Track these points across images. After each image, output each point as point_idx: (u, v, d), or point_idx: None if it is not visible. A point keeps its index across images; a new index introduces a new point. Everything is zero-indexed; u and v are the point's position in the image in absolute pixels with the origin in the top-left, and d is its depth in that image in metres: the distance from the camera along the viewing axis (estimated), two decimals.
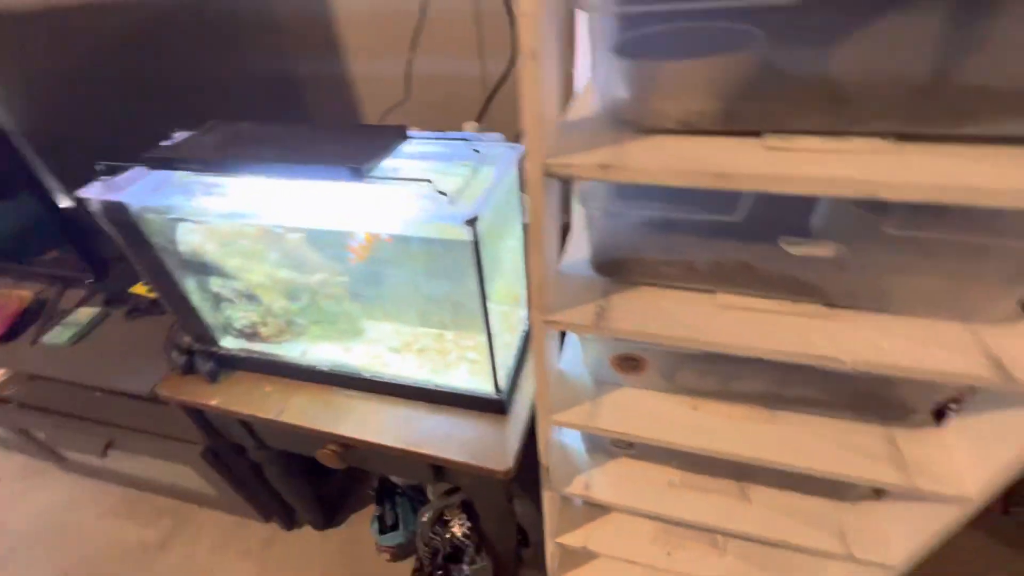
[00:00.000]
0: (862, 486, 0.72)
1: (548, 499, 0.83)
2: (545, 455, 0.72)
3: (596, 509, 0.92)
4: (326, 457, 0.84)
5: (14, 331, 1.03)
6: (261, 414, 0.81)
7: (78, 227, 1.01)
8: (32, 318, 1.06)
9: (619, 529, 0.95)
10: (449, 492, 1.06)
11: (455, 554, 1.03)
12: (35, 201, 0.95)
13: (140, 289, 1.03)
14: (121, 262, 0.91)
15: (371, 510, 1.20)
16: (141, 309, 1.02)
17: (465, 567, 1.05)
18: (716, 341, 0.49)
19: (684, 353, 0.60)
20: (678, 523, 0.78)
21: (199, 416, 0.94)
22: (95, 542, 1.32)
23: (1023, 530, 1.17)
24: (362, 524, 1.27)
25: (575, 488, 0.80)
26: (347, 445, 0.83)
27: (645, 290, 0.57)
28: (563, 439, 0.83)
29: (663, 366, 0.64)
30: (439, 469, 0.82)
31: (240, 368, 0.88)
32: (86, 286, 1.09)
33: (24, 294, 1.09)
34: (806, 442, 0.61)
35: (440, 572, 1.02)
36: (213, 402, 0.83)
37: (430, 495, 1.08)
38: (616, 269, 0.58)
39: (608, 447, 0.83)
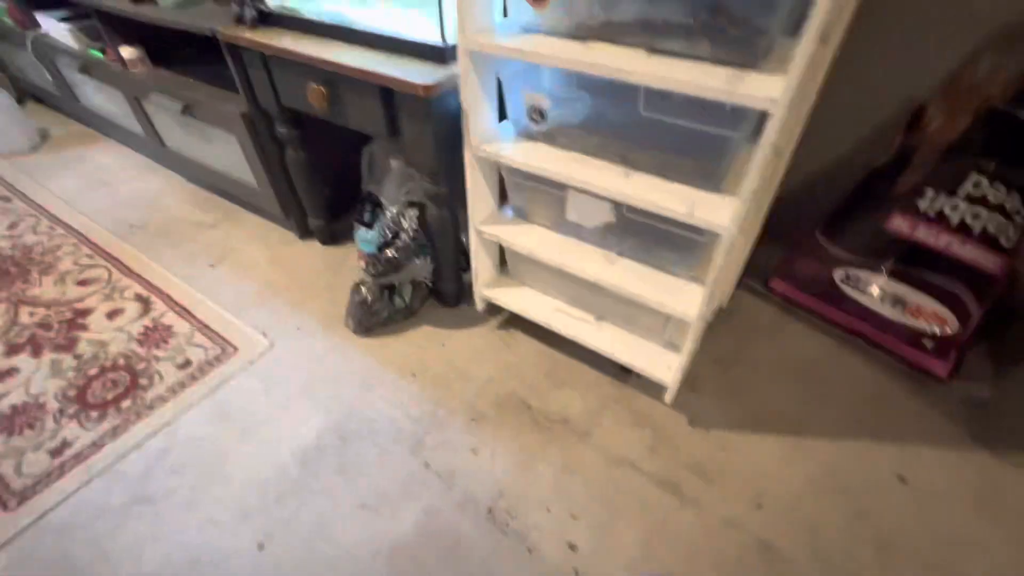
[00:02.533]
0: (714, 181, 0.78)
1: (468, 160, 0.97)
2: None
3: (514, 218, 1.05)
4: (313, 95, 1.05)
5: None
6: (277, 44, 1.04)
7: None
8: None
9: (530, 232, 1.08)
10: (410, 204, 1.25)
11: (403, 253, 1.23)
12: None
13: None
14: None
15: None
16: None
17: (416, 261, 1.24)
18: None
19: None
20: (577, 186, 0.88)
21: (241, 68, 1.20)
22: (170, 213, 1.72)
23: (963, 404, 1.12)
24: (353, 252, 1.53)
25: (491, 149, 0.94)
26: (328, 82, 1.03)
27: None
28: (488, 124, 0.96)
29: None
30: (391, 116, 1.00)
31: (273, 24, 1.12)
32: None
33: None
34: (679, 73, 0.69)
35: (389, 260, 1.22)
36: (248, 35, 1.07)
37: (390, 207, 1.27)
38: None
39: (528, 127, 0.94)
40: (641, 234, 0.94)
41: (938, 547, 0.91)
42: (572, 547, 0.90)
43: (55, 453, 1.03)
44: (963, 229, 1.05)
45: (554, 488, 0.99)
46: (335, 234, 1.60)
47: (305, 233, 1.61)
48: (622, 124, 0.84)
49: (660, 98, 0.74)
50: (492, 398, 1.15)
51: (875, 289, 1.16)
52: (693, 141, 0.78)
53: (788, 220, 1.38)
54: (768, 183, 0.99)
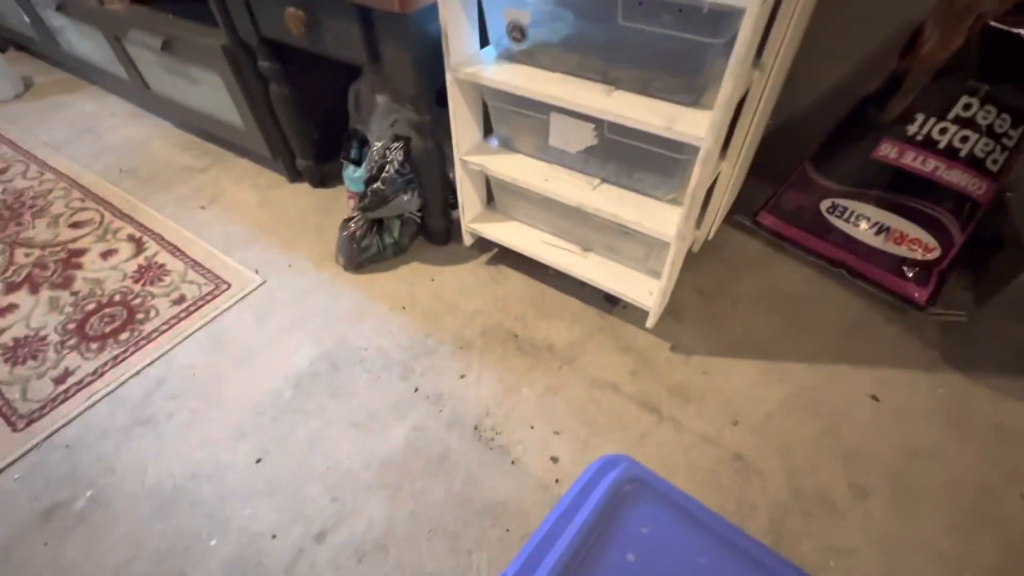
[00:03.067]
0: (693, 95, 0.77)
1: (449, 83, 0.96)
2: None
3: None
4: (291, 19, 1.03)
5: None
6: None
7: None
8: None
9: (515, 161, 1.07)
10: (395, 138, 1.24)
11: (389, 187, 1.23)
12: None
13: None
14: None
15: None
16: None
17: (404, 196, 1.25)
18: None
19: None
20: (560, 106, 0.88)
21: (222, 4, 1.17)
22: (159, 158, 1.71)
23: (939, 329, 1.15)
24: (343, 194, 1.53)
25: (472, 71, 0.92)
26: (306, 5, 1.01)
27: None
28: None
29: None
30: (371, 40, 0.98)
31: None
32: None
33: None
34: None
35: (375, 193, 1.22)
36: None
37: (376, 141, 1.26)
38: None
39: (509, 48, 0.93)
40: (623, 156, 0.93)
41: (903, 458, 0.95)
42: (554, 459, 0.95)
43: (58, 380, 1.07)
44: (950, 153, 1.05)
45: (537, 408, 1.03)
46: (324, 177, 1.60)
47: (294, 176, 1.61)
48: (603, 40, 0.82)
49: (638, 2, 0.73)
50: (479, 328, 1.17)
51: (860, 218, 1.17)
52: (674, 55, 0.76)
53: (778, 156, 1.37)
54: (753, 104, 0.98)
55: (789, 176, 1.28)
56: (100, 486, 0.92)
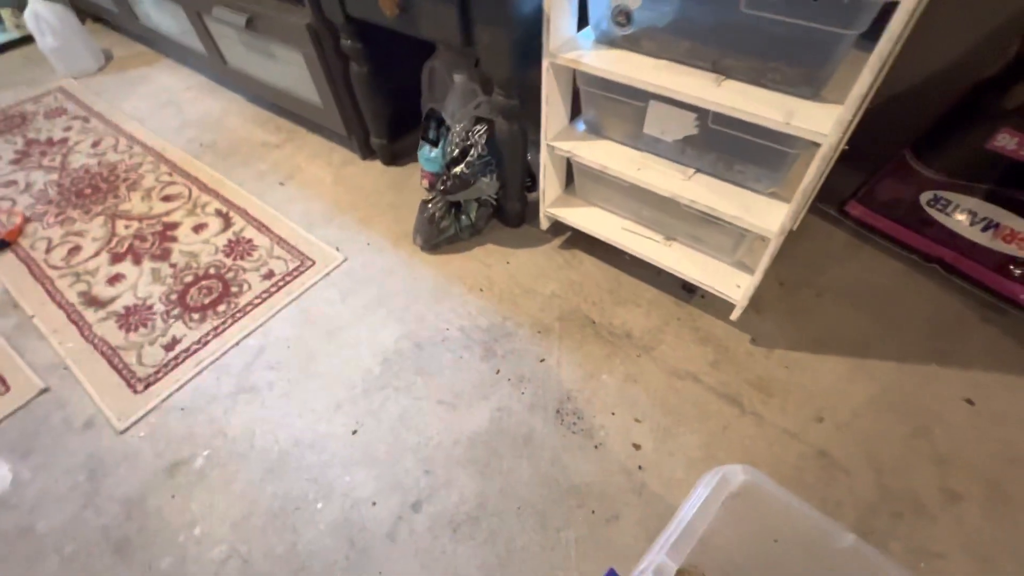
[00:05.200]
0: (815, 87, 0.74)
1: (545, 68, 0.95)
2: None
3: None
4: (387, 2, 1.03)
5: None
6: None
7: None
8: None
9: (603, 147, 1.06)
10: (478, 120, 1.24)
11: (472, 170, 1.24)
12: None
13: None
14: None
15: None
16: None
17: (484, 179, 1.26)
18: None
19: None
20: (663, 95, 0.86)
21: None
22: (236, 134, 1.77)
23: None
24: (418, 170, 1.55)
25: (571, 56, 0.91)
26: None
27: None
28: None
29: None
30: (466, 22, 0.98)
31: None
32: None
33: None
34: None
35: (457, 177, 1.23)
36: None
37: (457, 114, 1.26)
38: None
39: (611, 32, 0.90)
40: (725, 148, 0.91)
41: (1000, 465, 0.93)
42: (636, 447, 0.97)
43: (167, 348, 1.16)
44: None
45: (618, 395, 1.04)
46: (395, 154, 1.61)
47: (367, 153, 1.63)
48: (715, 26, 0.79)
49: None
50: (556, 312, 1.19)
51: (964, 211, 1.10)
52: (795, 43, 0.73)
53: (871, 143, 1.29)
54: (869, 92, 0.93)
55: (885, 164, 1.22)
56: (215, 447, 1.01)
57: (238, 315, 1.22)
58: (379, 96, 1.46)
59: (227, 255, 1.35)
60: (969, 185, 1.09)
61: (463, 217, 1.31)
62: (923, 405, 1.01)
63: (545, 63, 0.94)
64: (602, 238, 1.19)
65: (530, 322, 1.18)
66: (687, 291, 1.21)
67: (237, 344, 1.17)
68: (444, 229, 1.31)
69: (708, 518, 0.51)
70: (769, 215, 0.88)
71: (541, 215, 1.27)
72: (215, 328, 1.19)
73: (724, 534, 0.67)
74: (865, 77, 0.64)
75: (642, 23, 0.86)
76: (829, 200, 1.33)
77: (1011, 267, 1.08)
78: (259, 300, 1.25)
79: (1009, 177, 1.04)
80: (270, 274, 1.30)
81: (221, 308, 1.23)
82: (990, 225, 1.08)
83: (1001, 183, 1.05)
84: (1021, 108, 1.01)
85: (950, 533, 0.86)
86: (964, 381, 1.04)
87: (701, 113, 0.87)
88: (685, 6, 0.80)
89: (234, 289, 1.27)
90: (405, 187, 1.54)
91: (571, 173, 1.25)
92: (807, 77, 0.75)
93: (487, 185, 1.26)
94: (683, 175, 0.97)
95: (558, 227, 1.34)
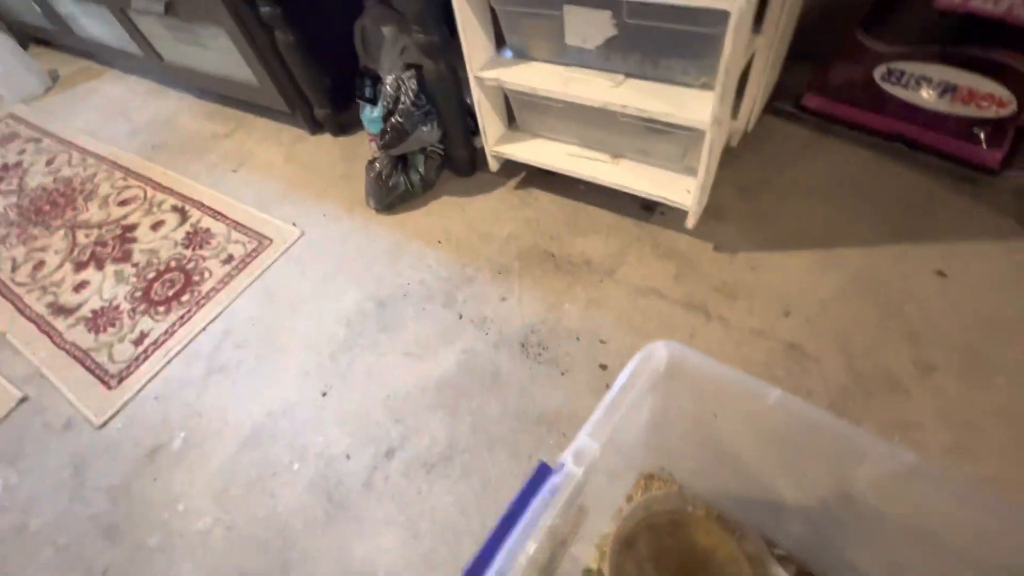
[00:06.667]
0: None
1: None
2: None
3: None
4: None
5: None
6: None
7: None
8: None
9: (532, 69, 1.02)
10: (407, 67, 1.20)
11: (407, 119, 1.20)
12: None
13: None
14: None
15: None
16: None
17: (423, 128, 1.23)
18: None
19: None
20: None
21: None
22: (186, 131, 1.75)
23: (1015, 194, 1.04)
24: (364, 139, 1.52)
25: None
26: None
27: None
28: None
29: None
30: None
31: None
32: None
33: None
34: None
35: (394, 128, 1.20)
36: None
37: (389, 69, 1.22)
38: None
39: None
40: (647, 43, 0.86)
41: (974, 331, 0.90)
42: (603, 367, 0.96)
43: (137, 343, 1.17)
44: None
45: (581, 321, 1.03)
46: (344, 124, 1.58)
47: (315, 127, 1.60)
48: None
49: None
50: (515, 252, 1.17)
51: (921, 80, 1.05)
52: None
53: (822, 36, 1.23)
54: None
55: (836, 47, 1.16)
56: (191, 428, 1.02)
57: (202, 302, 1.22)
58: (313, 64, 1.42)
59: (186, 247, 1.35)
60: (921, 50, 1.03)
61: (411, 172, 1.29)
62: (894, 286, 0.98)
63: None
64: (550, 168, 1.16)
65: (489, 265, 1.16)
66: (646, 210, 1.17)
67: (204, 329, 1.17)
68: (394, 187, 1.28)
69: (632, 396, 0.50)
70: (701, 107, 0.84)
71: (488, 156, 1.24)
72: (181, 317, 1.20)
73: (674, 429, 0.66)
74: None
75: None
76: (786, 98, 1.27)
77: (974, 129, 1.02)
78: (221, 285, 1.24)
79: (960, 34, 0.98)
80: (230, 258, 1.30)
81: (185, 298, 1.23)
82: (947, 89, 1.02)
83: (954, 42, 0.99)
84: None
85: (925, 404, 0.84)
86: (935, 255, 1.00)
87: (616, 7, 0.83)
88: None
89: (196, 278, 1.27)
90: (356, 155, 1.51)
91: (512, 108, 1.21)
92: None
93: (427, 133, 1.23)
94: (613, 82, 0.93)
95: (511, 168, 1.31)
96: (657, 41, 0.85)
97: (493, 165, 1.26)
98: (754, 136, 1.25)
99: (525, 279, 1.12)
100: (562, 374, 0.96)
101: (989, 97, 0.99)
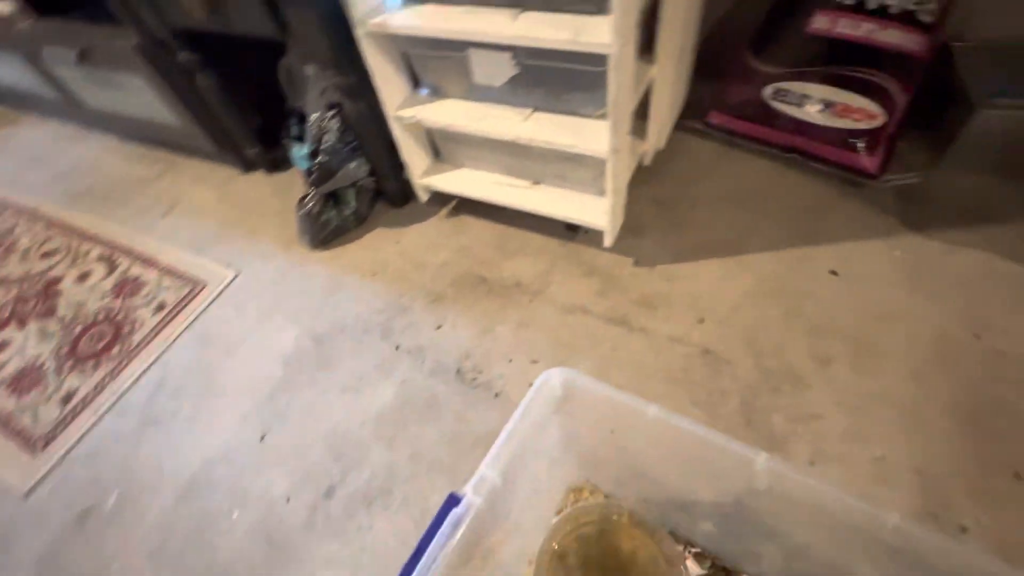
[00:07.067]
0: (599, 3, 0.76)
1: (360, 38, 0.94)
2: None
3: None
4: (192, 3, 1.00)
5: None
6: None
7: None
8: None
9: (447, 107, 1.07)
10: (329, 107, 1.22)
11: (334, 157, 1.22)
12: None
13: None
14: None
15: None
16: None
17: (351, 165, 1.25)
18: None
19: None
20: (473, 40, 0.87)
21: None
22: (112, 175, 1.71)
23: (895, 195, 1.16)
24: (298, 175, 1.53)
25: (380, 21, 0.90)
26: None
27: None
28: None
29: None
30: (274, 8, 0.96)
31: None
32: None
33: None
34: None
35: (321, 167, 1.22)
36: None
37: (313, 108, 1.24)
38: None
39: None
40: (547, 80, 0.92)
41: (864, 323, 0.99)
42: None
43: (64, 401, 1.13)
44: (881, 11, 1.02)
45: (513, 342, 1.07)
46: (277, 161, 1.58)
47: (248, 166, 1.60)
48: None
49: None
50: (449, 279, 1.20)
51: (804, 98, 1.15)
52: None
53: (725, 53, 1.33)
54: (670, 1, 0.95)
55: (730, 68, 1.26)
56: (125, 485, 0.99)
57: (134, 353, 1.19)
58: (240, 105, 1.42)
59: (115, 297, 1.32)
60: (802, 71, 1.13)
61: (343, 207, 1.30)
62: (794, 286, 1.06)
63: (357, 32, 0.93)
64: (476, 197, 1.20)
65: (424, 294, 1.19)
66: (571, 230, 1.23)
67: (136, 381, 1.14)
68: (327, 223, 1.30)
69: (530, 422, 0.54)
70: (600, 137, 0.91)
71: (416, 188, 1.27)
72: (111, 371, 1.17)
73: (588, 444, 0.71)
74: None
75: None
76: (695, 115, 1.37)
77: (851, 140, 1.13)
78: (153, 334, 1.22)
79: (832, 56, 1.09)
80: (162, 306, 1.27)
81: (115, 350, 1.21)
82: (827, 105, 1.13)
83: (827, 63, 1.10)
84: None
85: (824, 394, 0.91)
86: (829, 255, 1.10)
87: (513, 50, 0.88)
88: None
89: (126, 329, 1.24)
90: (291, 191, 1.51)
91: (435, 140, 1.25)
92: None
93: (355, 169, 1.25)
94: (522, 116, 0.99)
95: (443, 196, 1.35)
96: (556, 78, 0.91)
97: (422, 196, 1.30)
98: (667, 153, 1.34)
99: (459, 305, 1.15)
100: (495, 396, 1.00)
101: (862, 111, 1.10)
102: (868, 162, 1.14)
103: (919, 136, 1.22)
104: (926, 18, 1.02)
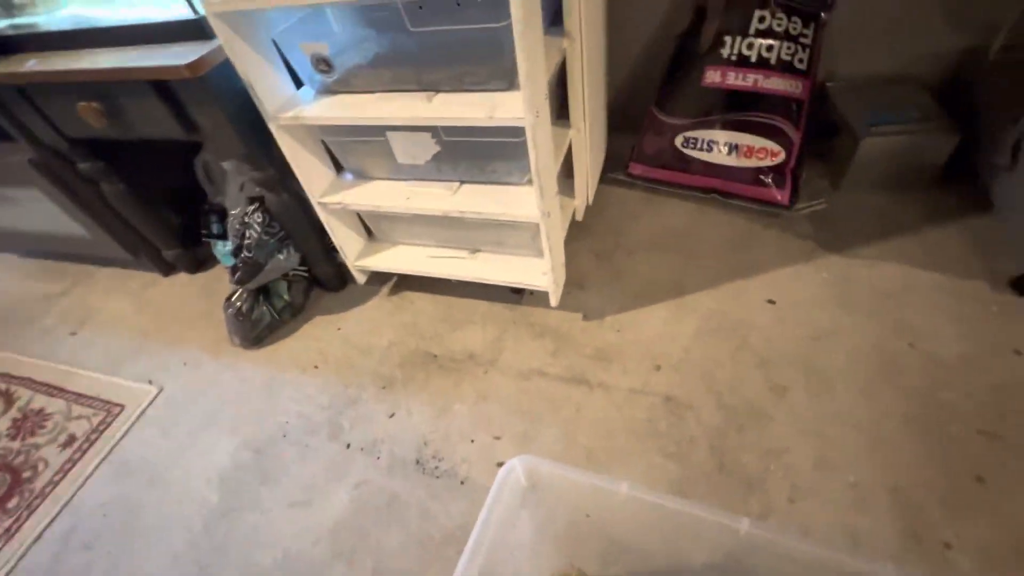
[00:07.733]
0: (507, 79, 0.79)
1: (274, 132, 0.92)
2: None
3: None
4: (87, 113, 0.95)
5: None
6: (25, 71, 0.92)
7: None
8: None
9: (372, 189, 1.05)
10: (250, 201, 1.18)
11: (259, 251, 1.17)
12: None
13: None
14: None
15: None
16: None
17: (279, 256, 1.19)
18: None
19: None
20: (389, 124, 0.87)
21: (5, 111, 1.07)
22: (10, 296, 1.55)
23: (809, 221, 1.24)
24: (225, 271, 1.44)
25: (292, 114, 0.89)
26: (98, 95, 0.94)
27: None
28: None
29: None
30: (179, 111, 0.93)
31: (12, 51, 0.99)
32: None
33: None
34: None
35: (246, 262, 1.16)
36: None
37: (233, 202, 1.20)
38: None
39: (322, 81, 0.91)
40: (469, 154, 0.94)
41: (806, 346, 1.02)
42: (500, 465, 0.94)
43: None
44: (762, 63, 1.13)
45: (473, 420, 1.01)
46: (200, 259, 1.50)
47: (168, 269, 1.50)
48: (400, 50, 0.82)
49: (418, 7, 0.73)
50: (397, 360, 1.14)
51: (711, 144, 1.24)
52: (472, 45, 0.77)
53: (638, 108, 1.42)
54: (576, 69, 1.01)
55: (642, 123, 1.34)
56: None
57: (35, 503, 1.02)
58: (154, 206, 1.35)
59: (13, 438, 1.15)
60: (705, 120, 1.23)
61: (275, 300, 1.23)
62: (737, 319, 1.09)
63: (271, 127, 0.92)
64: (414, 273, 1.17)
65: (372, 380, 1.12)
66: (516, 293, 1.22)
67: (39, 537, 0.98)
68: (259, 320, 1.22)
69: (498, 516, 0.49)
70: (529, 203, 0.92)
71: (352, 271, 1.23)
72: (7, 530, 0.99)
73: (561, 525, 0.66)
74: (522, 57, 0.68)
75: (345, 65, 0.87)
76: (618, 168, 1.44)
77: (761, 177, 1.22)
78: (60, 476, 1.06)
79: (729, 104, 1.19)
80: (71, 440, 1.12)
81: (13, 503, 1.03)
82: (733, 148, 1.22)
83: (725, 111, 1.20)
84: (712, 47, 1.16)
85: (787, 425, 0.92)
86: (763, 285, 1.14)
87: (433, 130, 0.89)
88: (368, 40, 0.83)
89: (27, 474, 1.08)
90: (217, 290, 1.42)
91: (366, 221, 1.23)
92: (495, 72, 0.80)
93: (285, 260, 1.20)
94: (450, 191, 0.99)
95: (381, 275, 1.31)
96: (478, 151, 0.92)
97: (360, 278, 1.25)
98: (597, 206, 1.38)
99: (411, 387, 1.09)
100: (462, 483, 0.93)
101: (764, 150, 1.19)
102: (779, 195, 1.22)
103: (818, 165, 1.33)
104: (800, 65, 1.14)
